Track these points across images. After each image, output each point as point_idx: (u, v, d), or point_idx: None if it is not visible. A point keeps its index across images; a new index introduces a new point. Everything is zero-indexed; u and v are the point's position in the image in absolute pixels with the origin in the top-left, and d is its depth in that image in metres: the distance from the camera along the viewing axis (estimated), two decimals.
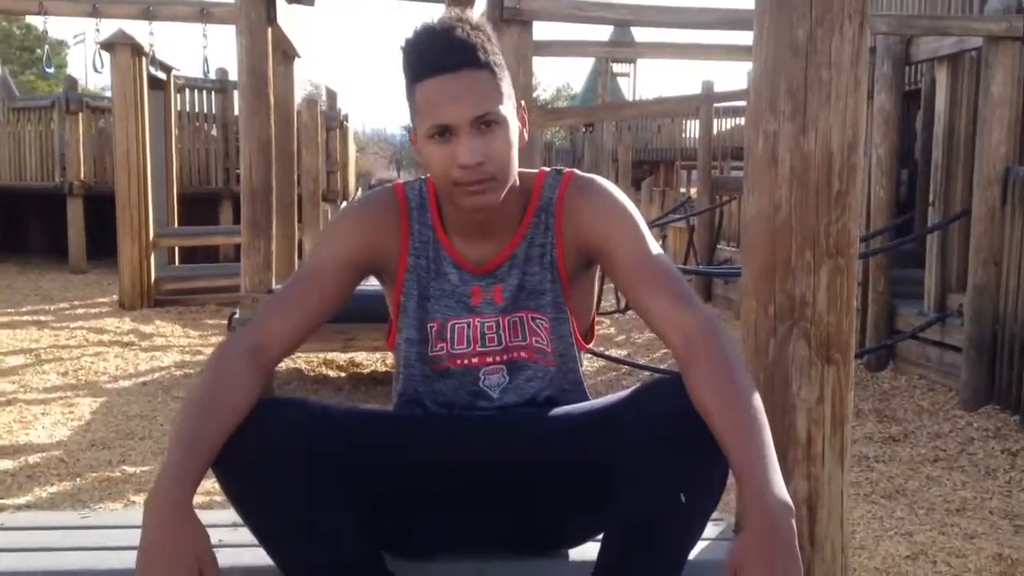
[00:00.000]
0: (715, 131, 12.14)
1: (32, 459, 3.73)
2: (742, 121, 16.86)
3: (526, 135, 1.37)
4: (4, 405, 4.59)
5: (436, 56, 1.28)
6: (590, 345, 1.49)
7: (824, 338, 1.49)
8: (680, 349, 1.24)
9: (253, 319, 1.36)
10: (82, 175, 9.99)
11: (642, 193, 11.71)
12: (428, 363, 1.42)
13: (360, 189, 17.07)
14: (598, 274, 1.48)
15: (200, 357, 5.91)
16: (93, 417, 4.40)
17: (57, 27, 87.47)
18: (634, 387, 1.30)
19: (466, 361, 1.41)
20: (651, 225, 9.42)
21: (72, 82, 10.23)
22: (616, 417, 1.25)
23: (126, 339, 6.55)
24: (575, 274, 1.42)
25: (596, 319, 1.52)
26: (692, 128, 19.06)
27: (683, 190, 18.05)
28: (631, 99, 22.82)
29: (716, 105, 10.08)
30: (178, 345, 6.37)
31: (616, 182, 14.80)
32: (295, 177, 6.18)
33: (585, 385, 1.46)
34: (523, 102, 1.39)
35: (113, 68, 7.84)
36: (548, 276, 1.40)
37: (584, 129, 19.14)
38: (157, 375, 5.41)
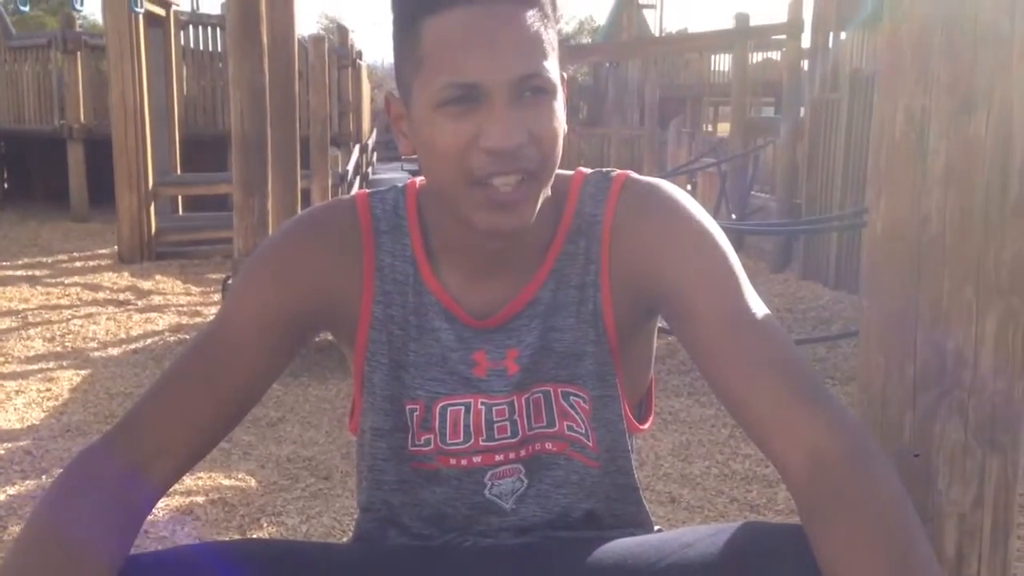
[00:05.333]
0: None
1: None
2: (774, 55, 16.08)
3: (565, 123, 0.88)
4: None
5: None
6: (647, 427, 1.02)
7: (988, 414, 1.02)
8: (802, 481, 0.77)
9: (126, 418, 0.90)
10: (82, 118, 9.52)
11: (670, 134, 11.09)
12: (407, 461, 0.96)
13: (376, 130, 16.49)
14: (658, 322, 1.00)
15: (198, 320, 5.51)
16: (72, 396, 4.02)
17: None
18: (725, 532, 0.84)
19: (464, 461, 0.95)
20: (680, 171, 8.87)
21: (69, 19, 9.68)
22: None
23: (121, 297, 6.17)
24: (629, 330, 0.94)
25: (655, 383, 1.05)
26: (720, 62, 18.29)
27: (709, 128, 17.39)
28: (658, 33, 21.97)
29: None
30: (176, 304, 5.97)
31: (643, 121, 14.19)
32: (296, 124, 5.67)
33: (642, 494, 1.00)
34: (564, 74, 0.90)
35: (105, 3, 7.31)
36: (589, 333, 0.93)
37: (608, 64, 18.40)
38: (149, 341, 5.02)
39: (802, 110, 7.37)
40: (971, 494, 1.04)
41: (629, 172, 0.96)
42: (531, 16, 0.82)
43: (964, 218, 1.00)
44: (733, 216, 7.78)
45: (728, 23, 9.10)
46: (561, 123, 0.85)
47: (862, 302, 1.08)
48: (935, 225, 1.01)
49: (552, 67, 0.84)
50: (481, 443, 0.94)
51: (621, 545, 0.89)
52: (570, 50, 11.13)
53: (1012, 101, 0.97)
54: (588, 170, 0.97)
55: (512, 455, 0.95)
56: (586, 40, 29.72)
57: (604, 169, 0.97)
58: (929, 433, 1.03)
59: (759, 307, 0.87)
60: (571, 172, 0.97)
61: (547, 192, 0.87)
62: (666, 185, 0.94)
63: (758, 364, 0.83)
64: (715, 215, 7.41)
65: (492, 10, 0.81)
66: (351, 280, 0.94)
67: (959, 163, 0.99)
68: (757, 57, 16.22)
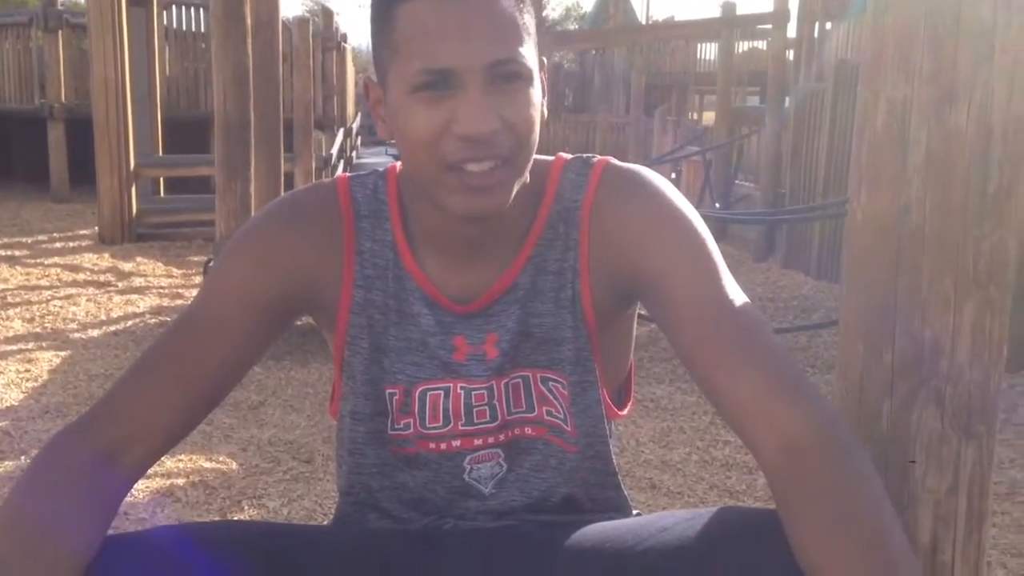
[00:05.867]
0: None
1: None
2: (760, 44, 16.10)
3: (546, 109, 0.88)
4: None
5: None
6: (626, 413, 1.03)
7: (964, 402, 1.03)
8: (777, 467, 0.78)
9: (102, 401, 0.90)
10: (63, 97, 9.43)
11: (655, 122, 11.09)
12: (387, 445, 0.96)
13: (360, 114, 16.40)
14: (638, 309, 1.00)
15: (179, 302, 5.48)
16: (51, 377, 3.99)
17: None
18: (702, 516, 0.84)
19: (444, 445, 0.95)
20: (665, 159, 8.88)
21: None
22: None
23: (102, 278, 6.13)
24: (608, 316, 0.95)
25: (635, 370, 1.06)
26: (707, 51, 18.29)
27: (694, 116, 17.40)
28: (644, 19, 21.97)
29: None
30: (157, 287, 5.94)
31: (628, 109, 14.19)
32: (280, 106, 5.64)
33: (620, 479, 1.01)
34: (544, 58, 0.90)
35: None
36: (567, 319, 0.93)
37: (594, 51, 18.38)
38: (130, 323, 4.99)
39: (787, 100, 7.38)
40: (947, 481, 1.05)
41: (609, 158, 0.96)
42: (506, 1, 0.82)
43: (944, 208, 1.01)
44: (717, 205, 7.80)
45: (715, 12, 9.09)
46: (537, 109, 0.85)
47: (843, 291, 1.09)
48: (915, 215, 1.02)
49: (528, 53, 0.83)
50: (460, 427, 0.95)
51: (599, 529, 0.90)
52: (556, 36, 11.11)
53: (993, 92, 0.98)
54: (568, 155, 0.97)
55: (491, 440, 0.95)
56: (572, 27, 29.67)
57: (584, 155, 0.97)
58: (906, 421, 1.04)
59: (738, 295, 0.88)
60: (551, 158, 0.97)
61: (524, 178, 0.87)
62: (646, 172, 0.94)
63: (737, 351, 0.83)
64: (699, 204, 7.44)
65: None
66: (332, 264, 0.94)
67: (940, 154, 1.00)
68: (743, 46, 16.23)
